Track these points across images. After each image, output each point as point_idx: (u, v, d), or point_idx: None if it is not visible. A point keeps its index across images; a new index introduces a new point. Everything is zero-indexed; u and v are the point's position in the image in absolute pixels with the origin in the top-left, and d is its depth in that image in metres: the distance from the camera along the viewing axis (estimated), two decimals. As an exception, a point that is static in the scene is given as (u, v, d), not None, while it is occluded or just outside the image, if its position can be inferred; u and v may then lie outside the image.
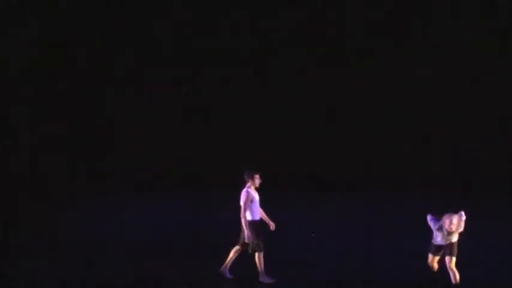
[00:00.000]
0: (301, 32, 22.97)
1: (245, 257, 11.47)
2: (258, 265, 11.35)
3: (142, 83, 23.34)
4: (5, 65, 22.32)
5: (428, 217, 11.30)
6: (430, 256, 11.40)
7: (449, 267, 11.08)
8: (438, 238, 11.20)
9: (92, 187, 21.18)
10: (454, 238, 11.15)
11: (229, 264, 11.57)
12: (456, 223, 11.07)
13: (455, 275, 11.05)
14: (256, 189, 11.43)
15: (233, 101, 23.13)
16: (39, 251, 13.49)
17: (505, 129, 22.60)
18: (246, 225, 11.17)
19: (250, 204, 11.25)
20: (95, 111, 23.30)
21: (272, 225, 11.51)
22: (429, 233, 11.30)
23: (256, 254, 11.31)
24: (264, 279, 11.34)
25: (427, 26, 22.89)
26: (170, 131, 22.98)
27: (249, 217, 11.25)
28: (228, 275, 11.56)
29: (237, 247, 11.53)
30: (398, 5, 22.79)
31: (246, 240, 11.27)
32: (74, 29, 22.81)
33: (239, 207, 11.34)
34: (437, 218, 11.21)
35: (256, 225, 11.34)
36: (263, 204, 11.51)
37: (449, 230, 11.02)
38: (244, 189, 11.33)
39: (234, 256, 11.55)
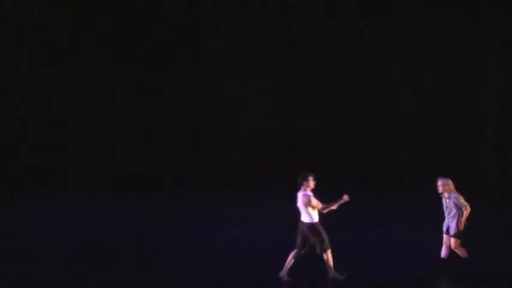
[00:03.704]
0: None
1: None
2: (327, 263, 11.18)
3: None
4: None
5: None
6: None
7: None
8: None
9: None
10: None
11: (288, 268, 11.34)
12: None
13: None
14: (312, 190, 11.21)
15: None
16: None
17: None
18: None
19: (309, 208, 11.10)
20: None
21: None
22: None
23: (325, 254, 11.17)
24: (336, 276, 11.19)
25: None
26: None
27: (312, 219, 11.13)
28: (286, 278, 11.31)
29: (295, 251, 11.35)
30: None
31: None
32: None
33: (297, 210, 11.20)
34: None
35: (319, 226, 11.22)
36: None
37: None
38: (303, 192, 11.12)
39: (293, 260, 11.35)
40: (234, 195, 20.33)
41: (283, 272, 11.39)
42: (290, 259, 11.38)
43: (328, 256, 11.21)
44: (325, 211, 11.18)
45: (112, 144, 22.83)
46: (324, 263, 11.24)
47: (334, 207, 11.18)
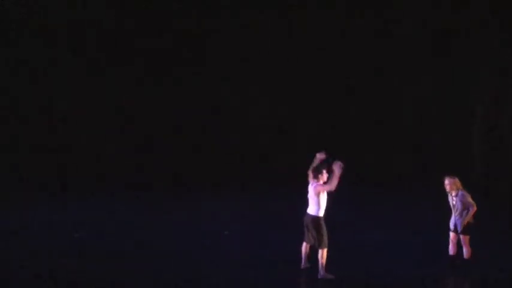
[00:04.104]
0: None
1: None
2: (320, 261, 11.33)
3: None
4: None
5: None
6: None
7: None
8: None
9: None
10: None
11: (305, 259, 11.75)
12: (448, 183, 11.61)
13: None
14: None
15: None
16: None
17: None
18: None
19: (321, 199, 11.25)
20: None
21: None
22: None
23: (321, 251, 11.32)
24: (325, 276, 11.32)
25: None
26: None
27: (318, 213, 11.27)
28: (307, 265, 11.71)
29: (305, 243, 11.70)
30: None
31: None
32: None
33: (307, 201, 11.40)
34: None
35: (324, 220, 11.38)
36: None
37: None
38: (316, 184, 11.27)
39: (306, 250, 11.73)
40: (234, 195, 20.33)
41: (303, 265, 11.71)
42: (304, 251, 11.71)
43: (323, 254, 11.29)
44: (334, 184, 11.02)
45: (112, 144, 22.84)
46: (317, 259, 11.36)
47: (337, 176, 11.01)
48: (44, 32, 22.40)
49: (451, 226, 11.78)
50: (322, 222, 11.31)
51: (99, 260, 12.62)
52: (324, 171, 11.32)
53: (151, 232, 15.30)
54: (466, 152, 22.14)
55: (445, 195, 11.89)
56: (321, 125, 23.09)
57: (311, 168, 11.45)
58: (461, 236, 11.65)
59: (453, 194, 11.66)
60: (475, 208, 11.53)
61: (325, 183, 11.24)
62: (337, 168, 10.99)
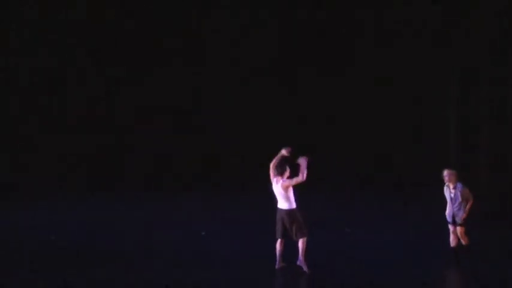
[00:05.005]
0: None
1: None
2: (301, 250, 11.53)
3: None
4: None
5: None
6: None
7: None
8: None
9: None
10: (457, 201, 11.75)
11: (280, 259, 11.80)
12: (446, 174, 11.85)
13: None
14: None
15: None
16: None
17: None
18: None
19: (290, 192, 11.52)
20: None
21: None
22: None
23: (301, 240, 11.52)
24: (303, 266, 11.53)
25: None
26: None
27: (292, 205, 11.53)
28: (282, 264, 11.80)
29: (279, 240, 11.80)
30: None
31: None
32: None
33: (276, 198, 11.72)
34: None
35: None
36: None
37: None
38: (282, 180, 11.55)
39: (281, 248, 11.82)
40: (234, 195, 20.31)
41: (278, 264, 11.77)
42: (279, 249, 11.77)
43: (304, 244, 11.47)
44: (304, 175, 11.36)
45: (111, 144, 22.82)
46: (298, 249, 11.55)
47: (305, 171, 11.38)
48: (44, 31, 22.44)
49: (449, 218, 12.01)
50: (298, 213, 11.59)
51: (99, 260, 12.62)
52: (288, 168, 11.60)
53: (151, 232, 15.30)
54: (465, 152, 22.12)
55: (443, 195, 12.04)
56: (321, 124, 23.04)
57: (273, 164, 11.71)
58: (458, 228, 11.89)
59: (451, 186, 11.87)
60: (471, 201, 11.80)
61: (288, 178, 11.53)
62: (302, 161, 11.35)
